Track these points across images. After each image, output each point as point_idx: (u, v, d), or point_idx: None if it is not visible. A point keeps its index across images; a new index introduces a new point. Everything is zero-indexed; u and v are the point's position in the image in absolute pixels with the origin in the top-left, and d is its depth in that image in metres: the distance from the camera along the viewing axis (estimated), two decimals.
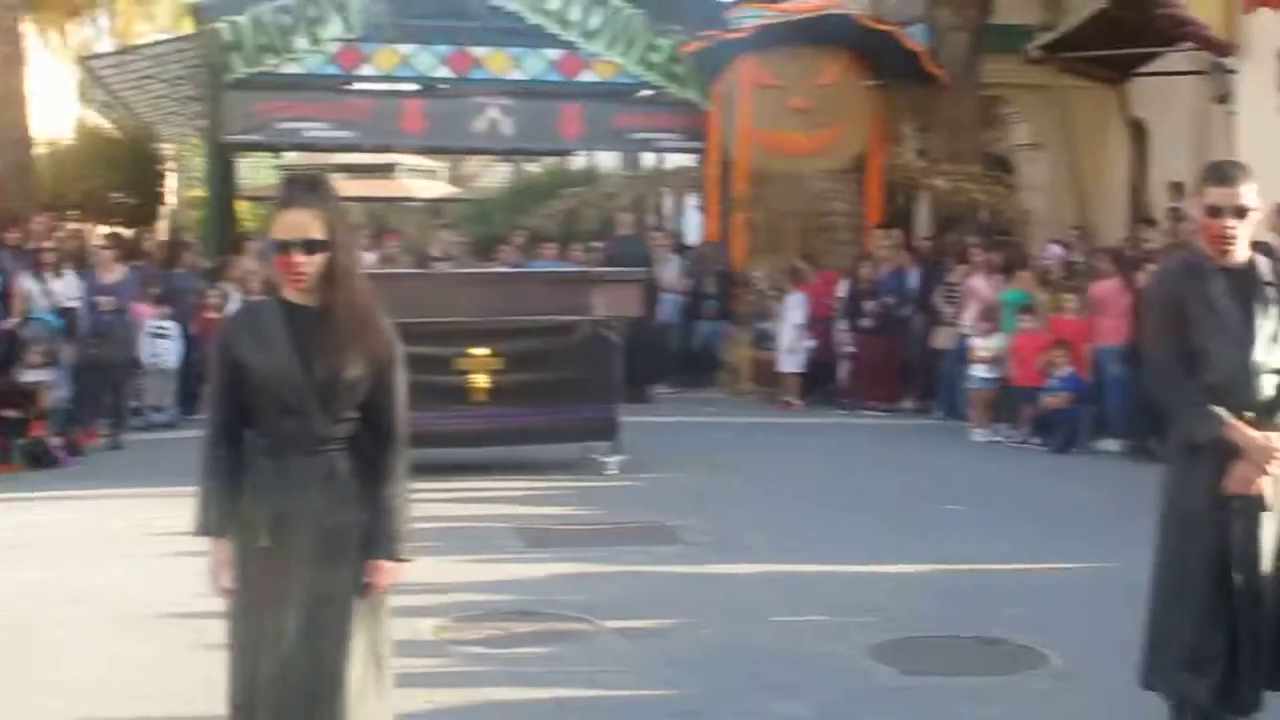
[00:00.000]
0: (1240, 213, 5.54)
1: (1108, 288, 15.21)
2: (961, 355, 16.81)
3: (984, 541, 10.42)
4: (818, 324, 18.78)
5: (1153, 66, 20.12)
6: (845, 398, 18.48)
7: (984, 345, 16.21)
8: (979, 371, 16.22)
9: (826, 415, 17.89)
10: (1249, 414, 5.48)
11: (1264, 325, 5.53)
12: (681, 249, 22.09)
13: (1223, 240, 5.56)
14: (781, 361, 18.75)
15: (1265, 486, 5.50)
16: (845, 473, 13.52)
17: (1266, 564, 5.53)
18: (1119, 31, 18.23)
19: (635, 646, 7.72)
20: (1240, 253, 5.61)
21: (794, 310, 18.63)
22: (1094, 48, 18.83)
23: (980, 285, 17.15)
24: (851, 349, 18.43)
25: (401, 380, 4.75)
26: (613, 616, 8.20)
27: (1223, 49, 17.09)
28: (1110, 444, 14.99)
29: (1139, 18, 17.36)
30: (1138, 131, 21.66)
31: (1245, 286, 5.58)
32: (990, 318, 16.38)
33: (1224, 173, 5.64)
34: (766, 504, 11.82)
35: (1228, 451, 5.47)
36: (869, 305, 18.26)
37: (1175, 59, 19.41)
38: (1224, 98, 18.18)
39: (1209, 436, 5.48)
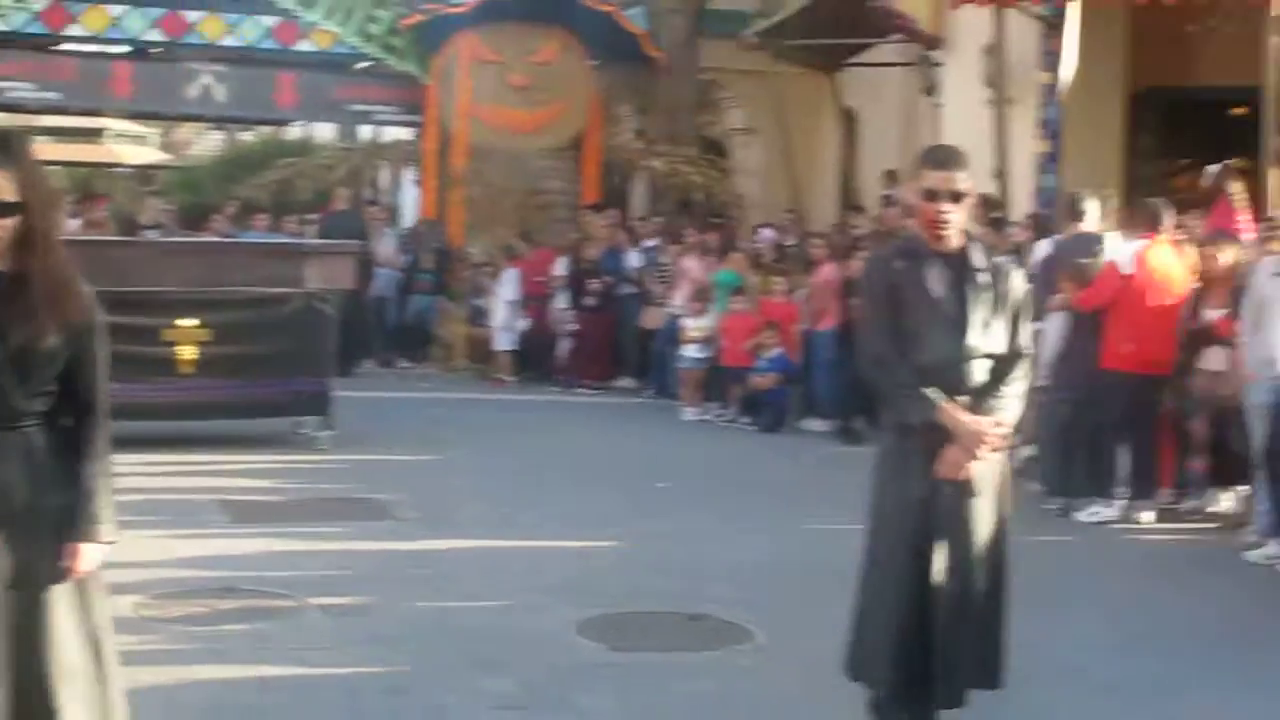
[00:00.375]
0: (956, 197, 5.53)
1: (825, 272, 15.51)
2: (673, 335, 16.99)
3: (690, 519, 10.56)
4: (533, 301, 18.83)
5: (864, 57, 20.60)
6: (561, 375, 18.55)
7: (695, 325, 16.39)
8: (690, 351, 16.40)
9: (542, 393, 17.94)
10: (961, 398, 5.50)
11: (977, 310, 5.54)
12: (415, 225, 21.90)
13: (938, 224, 5.54)
14: (496, 338, 18.73)
15: (976, 471, 5.51)
16: (556, 450, 13.56)
17: (976, 551, 5.55)
18: (832, 21, 18.62)
19: (341, 624, 7.64)
20: (955, 238, 5.60)
21: (508, 287, 18.62)
22: (808, 36, 19.19)
23: (693, 266, 17.35)
24: (574, 327, 18.46)
25: (103, 351, 4.56)
26: (319, 593, 8.09)
27: (930, 42, 17.58)
28: (816, 424, 15.32)
29: (851, 9, 17.75)
30: (849, 119, 22.17)
31: (959, 272, 5.58)
32: (701, 298, 16.57)
33: (941, 157, 5.67)
34: (477, 480, 11.79)
35: (939, 436, 5.48)
36: (592, 284, 18.29)
37: (885, 50, 19.90)
38: (930, 90, 18.71)
39: (921, 420, 5.47)
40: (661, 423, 15.81)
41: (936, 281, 5.55)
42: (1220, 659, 7.54)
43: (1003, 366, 5.61)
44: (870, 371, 5.74)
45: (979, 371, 5.57)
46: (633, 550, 9.47)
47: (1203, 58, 18.43)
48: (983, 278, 5.59)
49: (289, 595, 8.08)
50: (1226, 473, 11.19)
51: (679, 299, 17.13)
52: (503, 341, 18.65)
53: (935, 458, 5.49)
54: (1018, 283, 5.72)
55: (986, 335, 5.56)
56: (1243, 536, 10.25)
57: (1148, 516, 10.94)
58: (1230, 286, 10.72)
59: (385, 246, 20.11)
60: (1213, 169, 14.01)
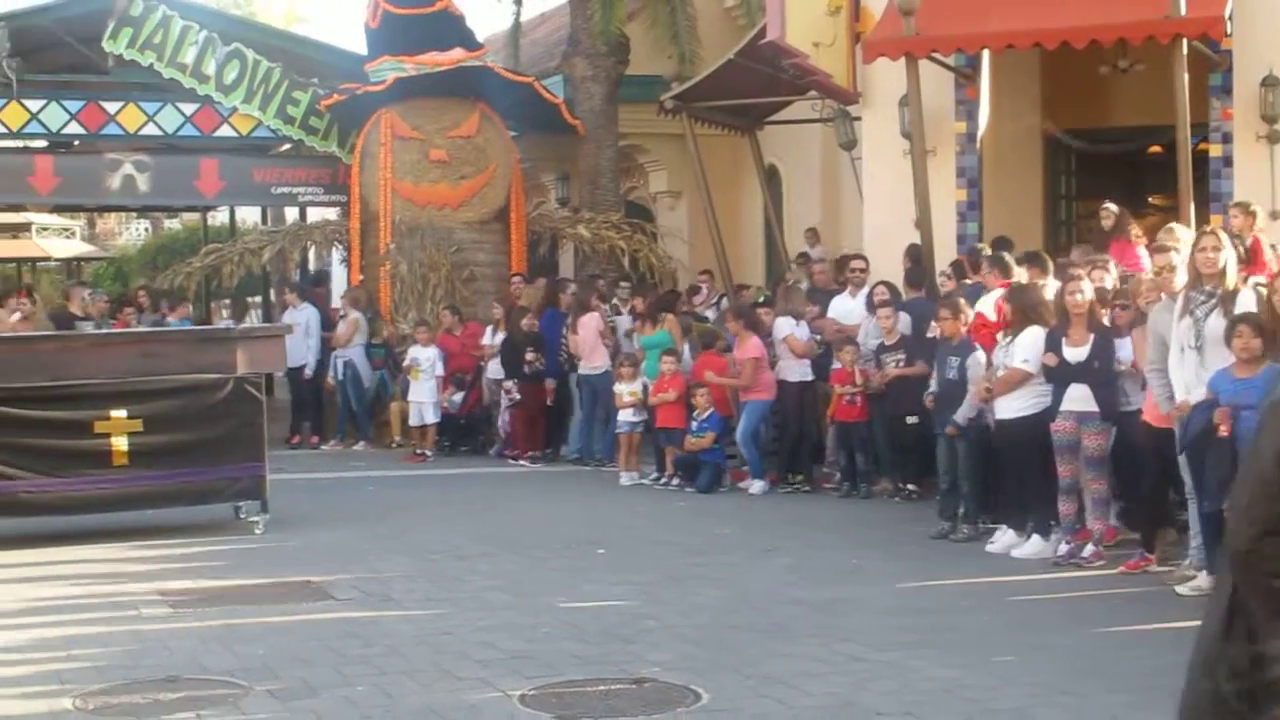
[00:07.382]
0: None
1: (751, 347, 15.45)
2: (598, 400, 17.11)
3: (630, 583, 10.57)
4: (464, 375, 18.85)
5: (783, 115, 20.78)
6: (501, 447, 18.55)
7: (628, 390, 16.44)
8: (624, 415, 16.45)
9: (478, 465, 17.94)
10: None
11: None
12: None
13: None
14: (422, 413, 18.70)
15: None
16: (494, 522, 13.55)
17: None
18: (749, 82, 18.78)
19: (287, 708, 7.60)
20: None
21: (435, 362, 18.62)
22: (724, 97, 19.35)
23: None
24: (514, 398, 18.38)
25: None
26: (262, 679, 8.06)
27: (847, 98, 17.76)
28: (754, 484, 15.36)
29: (768, 69, 17.92)
30: (772, 177, 22.33)
31: None
32: (632, 362, 16.62)
33: None
34: (414, 556, 11.78)
35: None
36: (530, 354, 18.19)
37: (804, 107, 20.09)
38: (849, 144, 18.90)
39: None
40: (599, 489, 15.84)
41: None
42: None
43: None
44: (1239, 568, 2.99)
45: None
46: (573, 618, 9.47)
47: (1116, 99, 18.75)
48: None
49: (233, 683, 8.03)
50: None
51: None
52: (429, 415, 18.63)
53: None
54: None
55: None
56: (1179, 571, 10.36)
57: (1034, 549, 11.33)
58: (1086, 325, 11.12)
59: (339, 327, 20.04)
60: (1111, 208, 14.29)
